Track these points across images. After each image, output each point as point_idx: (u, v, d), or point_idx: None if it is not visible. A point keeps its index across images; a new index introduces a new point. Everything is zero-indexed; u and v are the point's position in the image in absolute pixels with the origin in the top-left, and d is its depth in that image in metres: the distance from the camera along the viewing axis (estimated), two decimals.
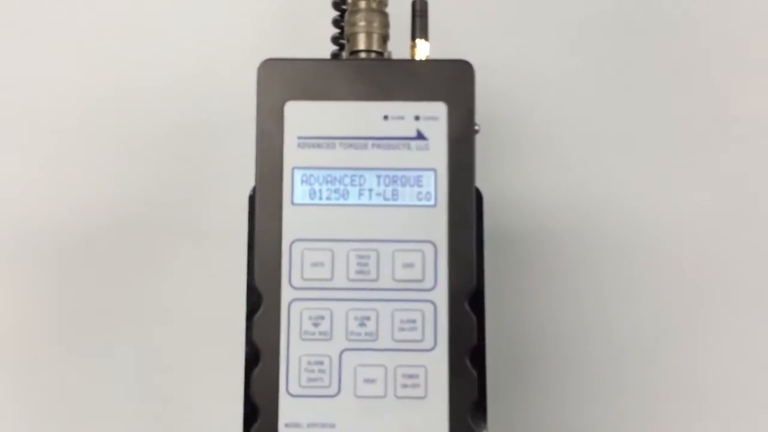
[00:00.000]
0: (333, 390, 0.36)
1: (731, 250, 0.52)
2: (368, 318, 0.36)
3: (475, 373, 0.36)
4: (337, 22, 0.43)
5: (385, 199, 0.37)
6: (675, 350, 0.51)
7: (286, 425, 0.36)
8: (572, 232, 0.52)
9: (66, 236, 0.52)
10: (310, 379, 0.36)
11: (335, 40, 0.43)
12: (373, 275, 0.37)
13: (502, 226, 0.50)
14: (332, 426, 0.36)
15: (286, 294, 0.37)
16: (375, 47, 0.40)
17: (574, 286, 0.51)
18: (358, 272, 0.37)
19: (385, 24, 0.40)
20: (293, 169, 0.37)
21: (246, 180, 0.38)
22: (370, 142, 0.37)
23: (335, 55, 0.43)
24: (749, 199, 0.52)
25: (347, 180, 0.37)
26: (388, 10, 0.41)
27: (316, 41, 0.44)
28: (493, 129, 0.47)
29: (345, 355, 0.36)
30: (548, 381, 0.50)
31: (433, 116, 0.37)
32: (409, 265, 0.37)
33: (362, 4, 0.40)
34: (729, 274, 0.51)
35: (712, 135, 0.53)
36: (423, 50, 0.40)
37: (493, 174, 0.51)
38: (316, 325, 0.36)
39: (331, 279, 0.37)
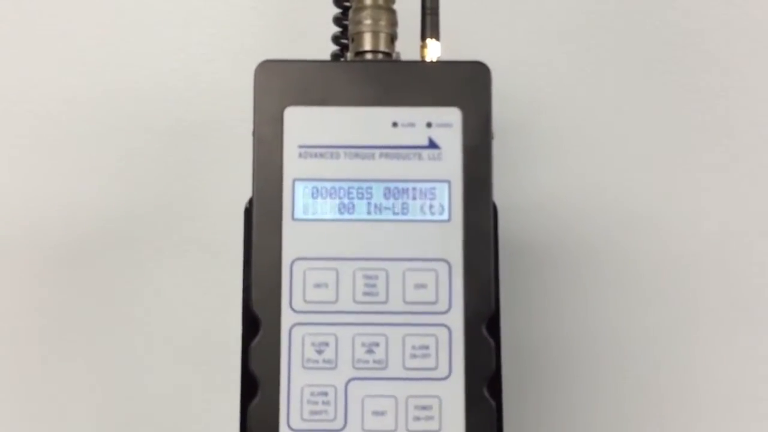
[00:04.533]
0: (338, 423, 0.33)
1: (753, 259, 0.50)
2: (377, 344, 0.34)
3: (493, 403, 0.34)
4: (338, 20, 0.40)
5: (395, 213, 0.35)
6: (698, 367, 0.49)
7: None
8: (582, 242, 0.50)
9: (57, 240, 0.50)
10: (313, 412, 0.33)
11: (336, 39, 0.41)
12: (381, 297, 0.34)
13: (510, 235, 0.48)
14: None
15: (287, 318, 0.34)
16: (382, 48, 0.37)
17: (588, 300, 0.49)
18: (366, 294, 0.34)
19: (392, 22, 0.38)
20: (294, 180, 0.35)
21: (240, 187, 0.36)
22: (377, 151, 0.35)
23: (336, 56, 0.41)
24: None
25: (353, 193, 0.35)
26: (396, 7, 0.38)
27: (315, 40, 0.42)
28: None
29: (351, 385, 0.34)
30: (567, 407, 0.48)
31: (446, 123, 0.35)
32: (421, 286, 0.34)
33: (368, 1, 0.37)
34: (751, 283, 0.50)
35: (733, 142, 0.51)
36: (434, 51, 0.37)
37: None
38: (319, 352, 0.34)
39: (336, 301, 0.34)
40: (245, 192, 0.36)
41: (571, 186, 0.51)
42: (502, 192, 0.38)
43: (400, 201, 0.34)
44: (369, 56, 0.37)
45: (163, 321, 0.50)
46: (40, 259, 0.50)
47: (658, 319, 0.49)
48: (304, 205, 0.34)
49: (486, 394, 0.33)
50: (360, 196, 0.35)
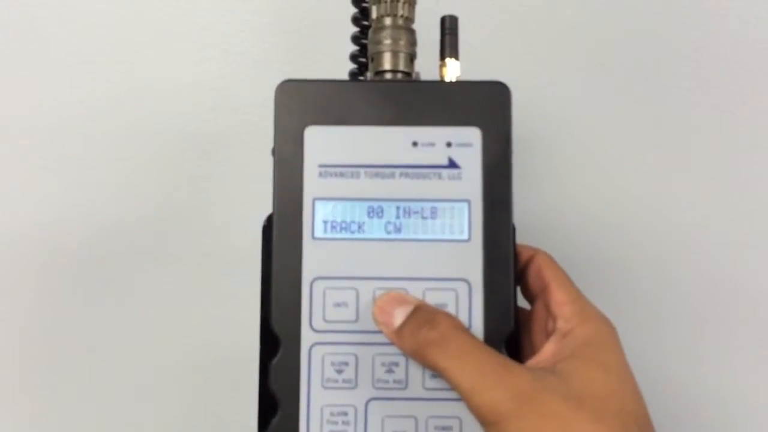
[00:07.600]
0: None
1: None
2: (396, 364, 0.34)
3: None
4: (356, 39, 0.40)
5: (414, 233, 0.34)
6: (725, 383, 0.49)
7: None
8: (599, 257, 0.50)
9: (64, 247, 0.51)
10: None
11: (354, 57, 0.41)
12: None
13: None
14: None
15: (307, 337, 0.34)
16: (402, 67, 0.37)
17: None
18: None
19: (412, 42, 0.37)
20: (314, 200, 0.35)
21: (252, 201, 0.37)
22: (397, 170, 0.35)
23: (354, 74, 0.41)
24: None
25: (372, 212, 0.35)
26: (415, 26, 0.38)
27: (330, 58, 0.42)
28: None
29: (371, 404, 0.33)
30: None
31: (466, 143, 0.35)
32: (441, 306, 0.34)
33: (387, 21, 0.37)
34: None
35: (751, 152, 0.52)
36: (454, 70, 0.37)
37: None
38: (339, 371, 0.34)
39: (356, 321, 0.34)
40: (257, 206, 0.36)
41: (588, 201, 0.51)
42: (520, 207, 0.38)
43: (419, 220, 0.34)
44: (389, 76, 0.37)
45: (170, 332, 0.50)
46: (47, 267, 0.50)
47: (691, 333, 0.49)
48: (323, 224, 0.34)
49: None
50: (380, 215, 0.34)
